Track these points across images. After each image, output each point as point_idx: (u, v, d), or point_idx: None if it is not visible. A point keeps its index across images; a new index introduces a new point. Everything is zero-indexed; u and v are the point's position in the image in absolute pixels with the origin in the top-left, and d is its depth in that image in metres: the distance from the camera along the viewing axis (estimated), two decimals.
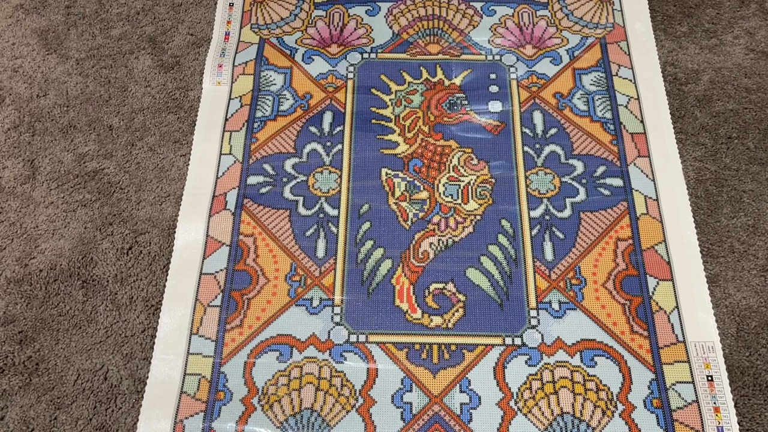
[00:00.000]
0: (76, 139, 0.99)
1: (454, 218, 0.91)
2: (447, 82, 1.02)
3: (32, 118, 1.01)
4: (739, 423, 0.78)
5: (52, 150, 0.98)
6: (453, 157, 0.96)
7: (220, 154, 0.96)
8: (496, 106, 1.00)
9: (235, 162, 0.96)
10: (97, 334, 0.84)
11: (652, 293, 0.85)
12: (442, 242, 0.89)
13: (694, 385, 0.79)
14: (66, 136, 0.99)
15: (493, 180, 0.94)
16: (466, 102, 1.00)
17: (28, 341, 0.84)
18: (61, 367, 0.82)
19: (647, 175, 0.93)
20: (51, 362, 0.83)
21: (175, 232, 0.91)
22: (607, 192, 0.92)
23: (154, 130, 1.00)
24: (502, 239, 0.89)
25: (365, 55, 1.05)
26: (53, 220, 0.93)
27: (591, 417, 0.78)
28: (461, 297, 0.86)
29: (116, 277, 0.88)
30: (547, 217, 0.91)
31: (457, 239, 0.90)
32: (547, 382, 0.80)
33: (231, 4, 1.11)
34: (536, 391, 0.79)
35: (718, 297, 0.86)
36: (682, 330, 0.82)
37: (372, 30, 1.07)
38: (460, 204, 0.92)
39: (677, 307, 0.84)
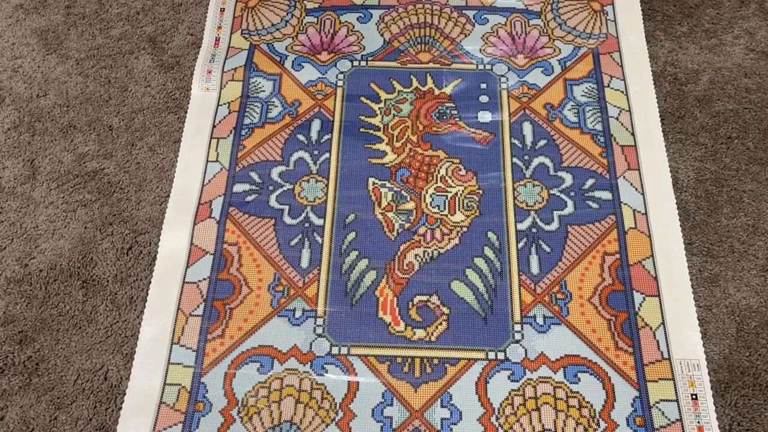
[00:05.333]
0: (76, 139, 0.99)
1: (440, 230, 0.90)
2: (437, 91, 1.01)
3: (32, 118, 1.01)
4: (739, 423, 0.78)
5: (52, 150, 0.98)
6: (441, 168, 0.95)
7: (207, 161, 0.96)
8: (485, 117, 0.99)
9: (221, 169, 0.95)
10: (97, 334, 0.84)
11: (638, 309, 0.84)
12: (428, 254, 0.89)
13: (678, 404, 0.78)
14: (66, 136, 0.99)
15: (481, 191, 0.93)
16: (455, 112, 0.99)
17: (28, 341, 0.84)
18: (61, 367, 0.83)
19: (636, 189, 0.92)
20: (51, 362, 0.83)
21: None
22: (595, 205, 0.91)
23: (154, 130, 1.00)
24: (488, 252, 0.89)
25: (355, 63, 1.04)
26: (53, 220, 0.93)
27: None
28: (445, 310, 0.85)
29: (116, 277, 0.88)
30: (534, 230, 0.90)
31: (442, 251, 0.89)
32: (530, 398, 0.79)
33: (222, 9, 1.10)
34: (518, 408, 0.78)
35: (718, 297, 0.85)
36: (667, 347, 0.82)
37: (363, 37, 1.07)
38: (446, 215, 0.91)
39: (663, 323, 0.83)
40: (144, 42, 1.09)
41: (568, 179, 0.94)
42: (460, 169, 0.95)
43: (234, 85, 1.02)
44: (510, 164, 0.95)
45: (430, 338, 0.83)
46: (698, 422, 0.77)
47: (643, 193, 0.92)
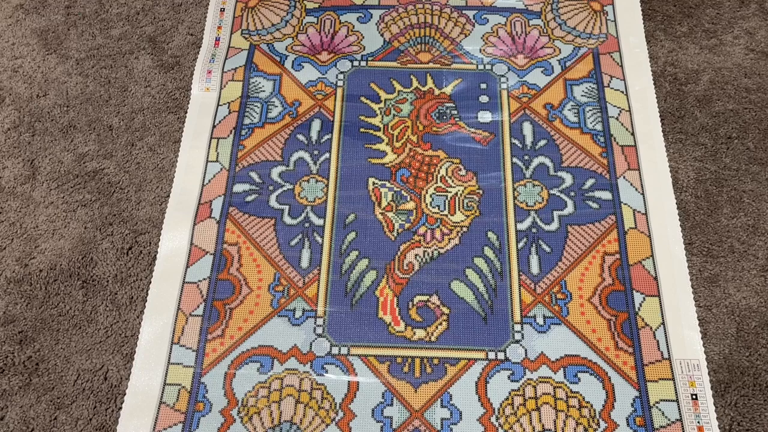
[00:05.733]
0: (76, 139, 0.99)
1: (441, 230, 0.90)
2: (437, 91, 1.01)
3: (32, 118, 1.01)
4: (739, 423, 0.77)
5: (52, 150, 0.98)
6: (441, 168, 0.95)
7: (207, 161, 0.96)
8: (485, 117, 0.99)
9: (221, 169, 0.95)
10: (97, 334, 0.84)
11: (638, 309, 0.84)
12: (428, 254, 0.89)
13: (678, 404, 0.78)
14: (66, 136, 0.99)
15: (481, 191, 0.93)
16: (455, 112, 0.99)
17: (28, 341, 0.84)
18: (61, 367, 0.83)
19: (636, 189, 0.92)
20: (51, 362, 0.83)
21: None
22: (595, 205, 0.91)
23: (154, 130, 1.00)
24: (488, 252, 0.89)
25: (355, 63, 1.04)
26: (53, 220, 0.93)
27: None
28: (445, 310, 0.85)
29: (116, 277, 0.88)
30: (534, 230, 0.90)
31: (442, 251, 0.89)
32: (530, 398, 0.79)
33: (222, 9, 1.10)
34: (518, 408, 0.78)
35: (718, 297, 0.85)
36: (667, 347, 0.82)
37: (363, 37, 1.07)
38: (446, 215, 0.91)
39: (663, 323, 0.83)
40: (144, 42, 1.09)
41: (568, 179, 0.94)
42: (460, 169, 0.95)
43: (234, 85, 1.02)
44: (510, 164, 0.95)
45: (430, 338, 0.83)
46: (698, 422, 0.77)
47: (643, 193, 0.92)
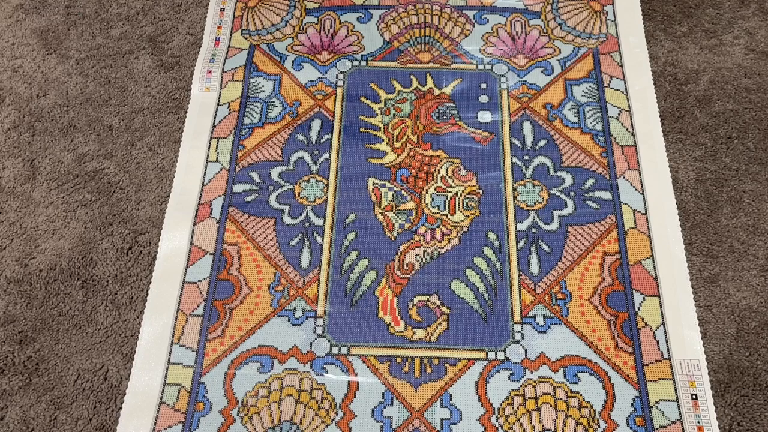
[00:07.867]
0: (76, 139, 0.99)
1: (440, 230, 0.90)
2: (437, 91, 1.01)
3: (32, 118, 1.01)
4: (739, 423, 0.78)
5: (52, 150, 0.98)
6: (441, 168, 0.95)
7: (207, 161, 0.96)
8: (485, 117, 0.99)
9: (221, 169, 0.95)
10: (97, 334, 0.84)
11: (638, 309, 0.84)
12: (428, 254, 0.89)
13: (678, 404, 0.78)
14: (66, 136, 0.99)
15: (481, 191, 0.93)
16: (455, 112, 0.99)
17: (28, 341, 0.84)
18: (61, 367, 0.83)
19: (636, 189, 0.92)
20: (51, 362, 0.83)
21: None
22: (595, 205, 0.91)
23: (154, 130, 1.00)
24: (488, 252, 0.89)
25: (355, 63, 1.04)
26: (53, 220, 0.93)
27: None
28: (445, 310, 0.85)
29: (116, 277, 0.88)
30: (534, 230, 0.90)
31: (442, 251, 0.89)
32: (530, 398, 0.79)
33: (222, 9, 1.10)
34: (518, 408, 0.78)
35: (718, 297, 0.85)
36: (667, 347, 0.82)
37: (363, 37, 1.07)
38: (446, 215, 0.91)
39: (663, 323, 0.83)
40: (144, 42, 1.09)
41: (568, 179, 0.94)
42: (460, 169, 0.95)
43: (234, 85, 1.02)
44: (510, 164, 0.95)
45: (430, 338, 0.83)
46: (698, 422, 0.77)
47: (643, 193, 0.92)
